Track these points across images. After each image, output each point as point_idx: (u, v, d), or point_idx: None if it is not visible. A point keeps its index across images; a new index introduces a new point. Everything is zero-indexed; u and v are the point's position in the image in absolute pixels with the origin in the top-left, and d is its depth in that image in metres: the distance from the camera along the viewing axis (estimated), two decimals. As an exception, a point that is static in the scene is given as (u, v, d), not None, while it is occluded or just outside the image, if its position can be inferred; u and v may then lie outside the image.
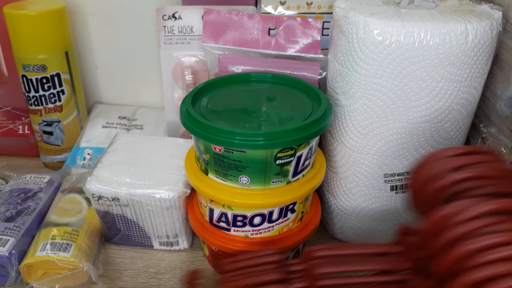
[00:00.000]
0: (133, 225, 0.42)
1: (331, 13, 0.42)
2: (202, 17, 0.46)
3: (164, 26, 0.49)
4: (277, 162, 0.35)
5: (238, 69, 0.45)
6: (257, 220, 0.38)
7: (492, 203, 0.21)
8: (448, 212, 0.21)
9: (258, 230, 0.38)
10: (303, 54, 0.46)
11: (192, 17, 0.49)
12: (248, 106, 0.39)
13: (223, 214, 0.38)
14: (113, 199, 0.40)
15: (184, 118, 0.36)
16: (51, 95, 0.51)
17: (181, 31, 0.49)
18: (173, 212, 0.41)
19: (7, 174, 0.50)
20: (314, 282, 0.27)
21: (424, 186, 0.25)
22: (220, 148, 0.34)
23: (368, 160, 0.39)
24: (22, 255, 0.39)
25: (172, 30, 0.49)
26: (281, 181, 0.36)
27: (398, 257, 0.27)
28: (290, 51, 0.46)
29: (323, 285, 0.27)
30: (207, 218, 0.40)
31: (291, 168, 0.36)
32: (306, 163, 0.37)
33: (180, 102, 0.38)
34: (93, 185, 0.40)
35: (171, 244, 0.44)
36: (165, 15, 0.48)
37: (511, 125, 0.36)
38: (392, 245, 0.27)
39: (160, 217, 0.41)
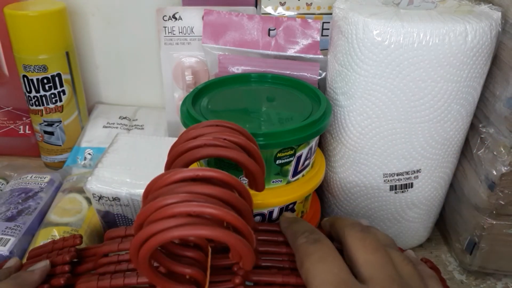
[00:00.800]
0: (133, 224, 0.43)
1: (331, 13, 0.42)
2: (202, 17, 0.47)
3: (165, 27, 0.49)
4: (277, 162, 0.35)
5: (238, 69, 0.45)
6: (257, 220, 0.38)
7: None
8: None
9: (258, 229, 0.39)
10: (302, 55, 0.46)
11: (193, 17, 0.49)
12: (248, 106, 0.39)
13: (223, 214, 0.38)
14: (114, 199, 0.40)
15: (185, 118, 0.36)
16: (52, 95, 0.51)
17: (181, 32, 0.49)
18: (173, 212, 0.41)
19: (7, 174, 0.51)
20: (98, 262, 0.31)
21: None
22: (220, 148, 0.35)
23: (367, 160, 0.40)
24: (23, 254, 0.39)
25: (173, 30, 0.49)
26: (281, 181, 0.37)
27: None
28: (290, 52, 0.46)
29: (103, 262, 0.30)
30: (207, 218, 0.40)
31: (291, 168, 0.36)
32: (306, 163, 0.38)
33: (180, 103, 0.38)
34: (93, 185, 0.40)
35: (172, 244, 0.44)
36: (165, 15, 0.48)
37: (510, 125, 0.36)
38: None
39: (160, 217, 0.41)
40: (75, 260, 0.31)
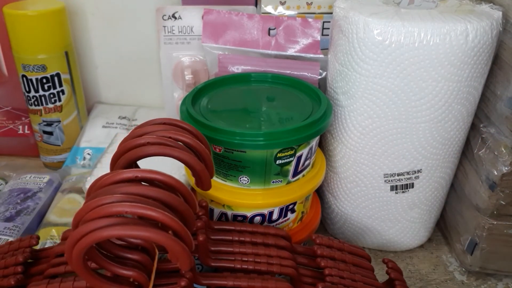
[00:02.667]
0: (133, 225, 0.42)
1: (331, 13, 0.42)
2: (202, 17, 0.46)
3: (164, 26, 0.49)
4: (277, 162, 0.35)
5: (238, 69, 0.45)
6: (257, 220, 0.38)
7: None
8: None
9: (258, 230, 0.38)
10: (303, 54, 0.46)
11: (192, 17, 0.49)
12: (248, 106, 0.39)
13: (223, 214, 0.38)
14: (113, 199, 0.40)
15: (184, 118, 0.36)
16: (51, 95, 0.51)
17: (181, 31, 0.49)
18: (173, 212, 0.41)
19: (6, 174, 0.50)
20: (50, 262, 0.30)
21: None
22: (220, 148, 0.34)
23: (368, 160, 0.39)
24: (22, 255, 0.39)
25: (172, 30, 0.49)
26: (281, 181, 0.36)
27: None
28: (290, 51, 0.46)
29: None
30: (207, 218, 0.40)
31: (291, 168, 0.36)
32: (306, 163, 0.37)
33: (180, 102, 0.38)
34: (93, 185, 0.40)
35: (171, 244, 0.44)
36: (165, 15, 0.48)
37: (511, 125, 0.36)
38: None
39: (160, 217, 0.41)
40: (31, 261, 0.31)
